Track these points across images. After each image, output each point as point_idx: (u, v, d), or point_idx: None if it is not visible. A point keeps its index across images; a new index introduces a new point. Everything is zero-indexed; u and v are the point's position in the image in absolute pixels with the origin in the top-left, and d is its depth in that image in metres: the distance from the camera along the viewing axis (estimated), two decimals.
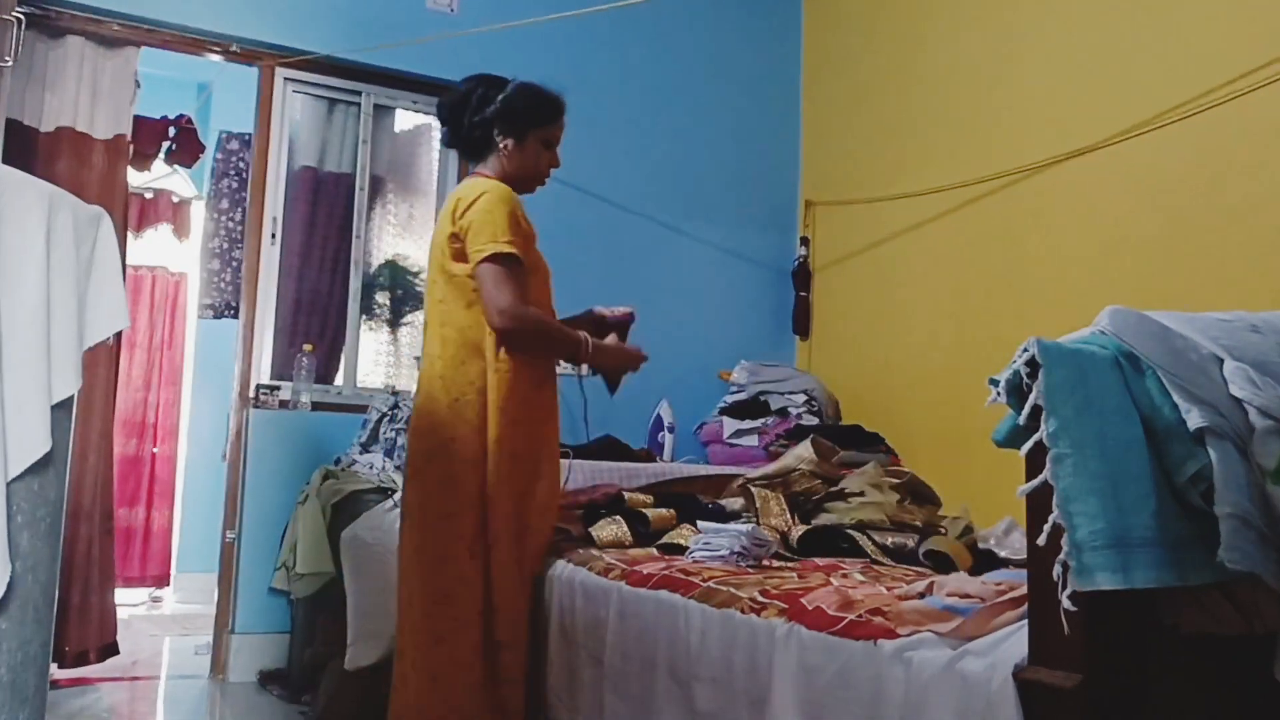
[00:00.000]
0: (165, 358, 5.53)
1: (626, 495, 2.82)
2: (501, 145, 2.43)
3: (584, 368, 2.54)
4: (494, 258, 2.25)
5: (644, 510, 2.71)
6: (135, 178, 3.90)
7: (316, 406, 3.69)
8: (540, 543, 2.40)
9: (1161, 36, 2.98)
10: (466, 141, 2.47)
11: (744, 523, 2.52)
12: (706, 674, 1.83)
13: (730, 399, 3.97)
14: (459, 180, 4.00)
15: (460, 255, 2.32)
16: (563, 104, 2.48)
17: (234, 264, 3.94)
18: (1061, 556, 1.24)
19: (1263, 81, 2.66)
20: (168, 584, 5.42)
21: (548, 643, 2.36)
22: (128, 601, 5.00)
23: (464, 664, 2.24)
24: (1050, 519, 1.26)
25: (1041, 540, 1.28)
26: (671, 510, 2.71)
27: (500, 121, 2.41)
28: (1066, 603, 1.23)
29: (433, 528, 2.29)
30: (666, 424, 3.87)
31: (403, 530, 2.35)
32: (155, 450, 5.45)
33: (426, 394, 2.34)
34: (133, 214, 4.87)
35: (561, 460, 3.31)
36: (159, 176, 5.01)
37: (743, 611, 1.80)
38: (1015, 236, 3.41)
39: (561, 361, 2.53)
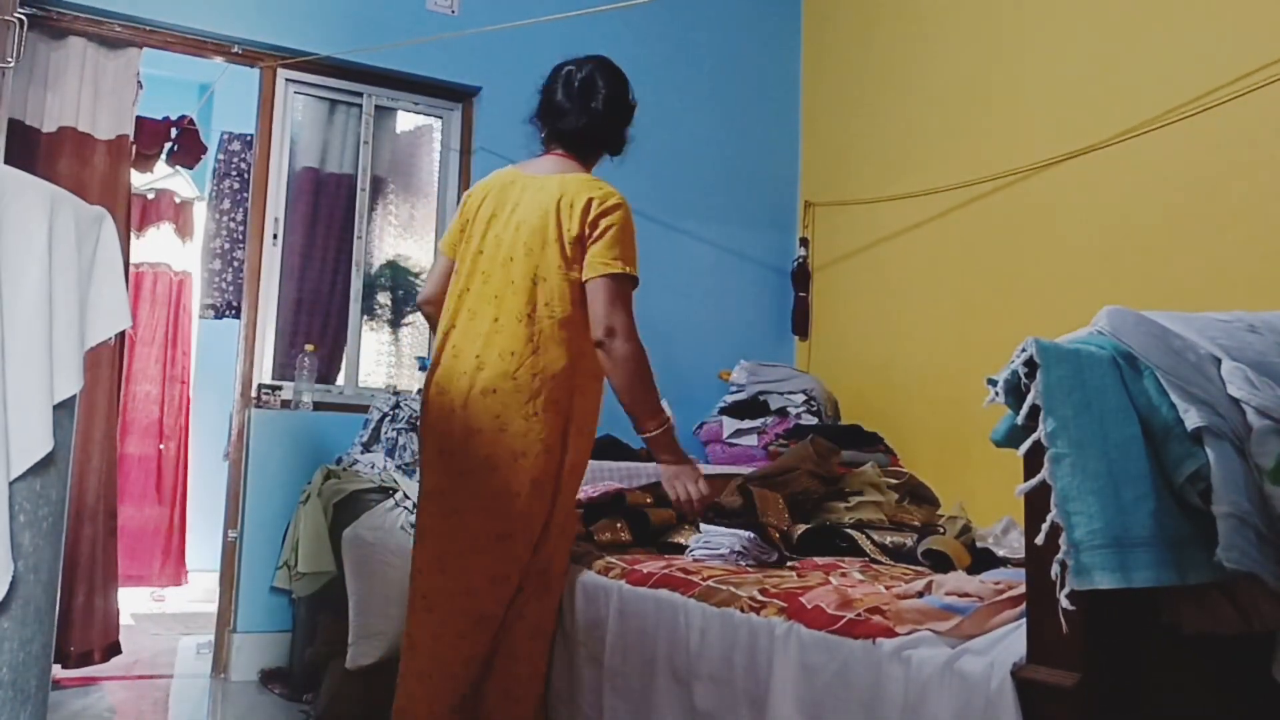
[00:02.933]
0: (170, 356, 5.53)
1: (627, 494, 2.82)
2: (605, 152, 2.38)
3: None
4: (624, 277, 2.16)
5: (644, 510, 2.71)
6: (137, 179, 3.90)
7: (318, 406, 3.69)
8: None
9: (1161, 36, 2.98)
10: (600, 139, 2.34)
11: (743, 524, 2.52)
12: (706, 673, 1.84)
13: (730, 399, 3.97)
14: (462, 181, 4.01)
15: (578, 256, 2.18)
16: None
17: (235, 264, 3.94)
18: (1060, 556, 1.24)
19: (1263, 81, 2.66)
20: (184, 582, 5.39)
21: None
22: (130, 601, 5.00)
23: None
24: (1048, 518, 1.27)
25: (1040, 539, 1.29)
26: (671, 511, 2.72)
27: (625, 130, 2.37)
28: (1065, 602, 1.23)
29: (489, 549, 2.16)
30: None
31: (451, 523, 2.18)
32: (161, 447, 5.45)
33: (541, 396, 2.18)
34: (135, 214, 4.87)
35: None
36: (160, 177, 5.02)
37: (742, 610, 1.80)
38: (1015, 236, 3.42)
39: None
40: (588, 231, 2.17)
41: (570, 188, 2.21)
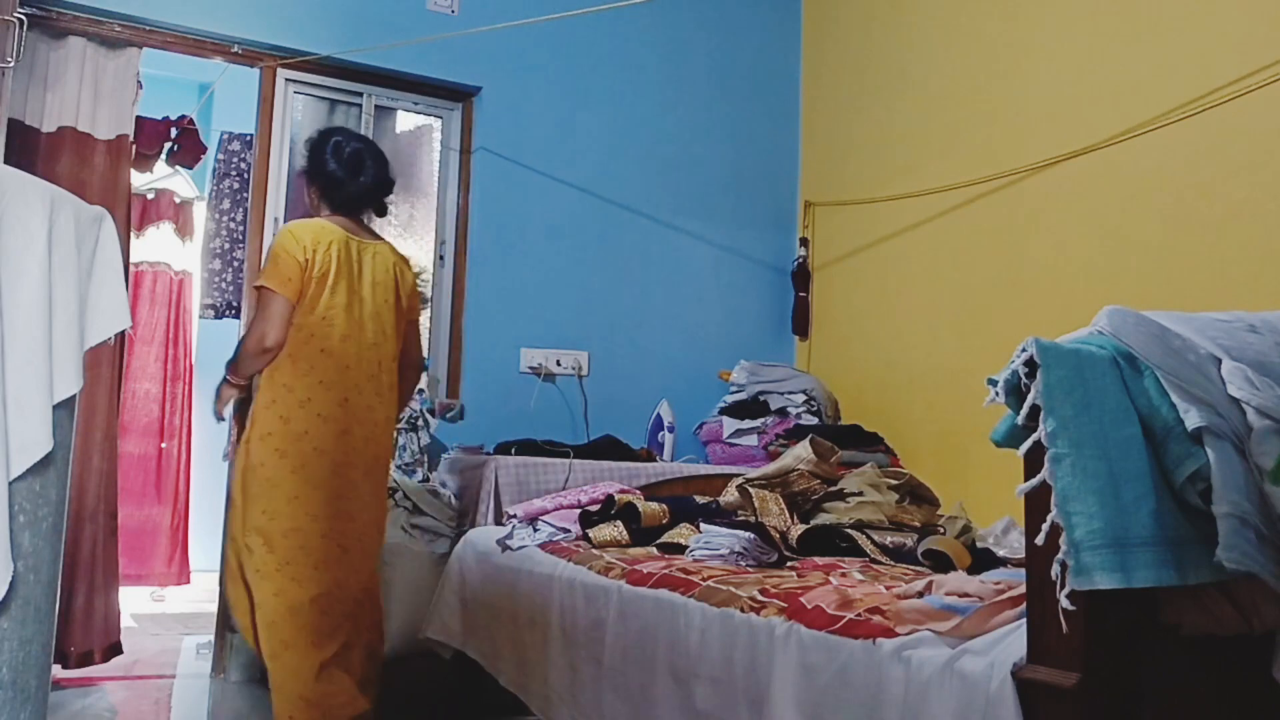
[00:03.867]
0: (171, 356, 5.53)
1: (616, 496, 2.83)
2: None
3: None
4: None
5: (634, 504, 2.72)
6: (137, 179, 3.90)
7: None
8: None
9: (1161, 36, 2.98)
10: (370, 209, 2.87)
11: (741, 522, 2.53)
12: (706, 673, 1.84)
13: (730, 399, 3.97)
14: (462, 181, 4.01)
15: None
16: None
17: (235, 264, 3.94)
18: (1060, 556, 1.24)
19: (1263, 81, 2.66)
20: (188, 580, 5.39)
21: (547, 642, 2.37)
22: (130, 600, 4.99)
23: None
24: (1049, 518, 1.27)
25: (1040, 540, 1.29)
26: (663, 506, 2.72)
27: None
28: (1065, 602, 1.23)
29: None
30: (666, 424, 3.88)
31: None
32: (164, 446, 5.44)
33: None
34: (135, 214, 4.87)
35: (561, 460, 3.38)
36: (160, 177, 5.02)
37: (742, 610, 1.80)
38: (1015, 236, 3.42)
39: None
40: (412, 291, 2.89)
41: (397, 255, 2.85)
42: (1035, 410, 1.29)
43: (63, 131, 3.39)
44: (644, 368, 4.10)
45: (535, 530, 2.83)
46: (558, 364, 3.94)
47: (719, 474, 3.40)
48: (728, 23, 4.45)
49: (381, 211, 2.90)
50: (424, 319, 4.03)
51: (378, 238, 2.84)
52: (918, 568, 2.21)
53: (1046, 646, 1.29)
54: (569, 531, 2.79)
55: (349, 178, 2.75)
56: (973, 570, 2.07)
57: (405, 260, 2.88)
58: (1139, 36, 3.05)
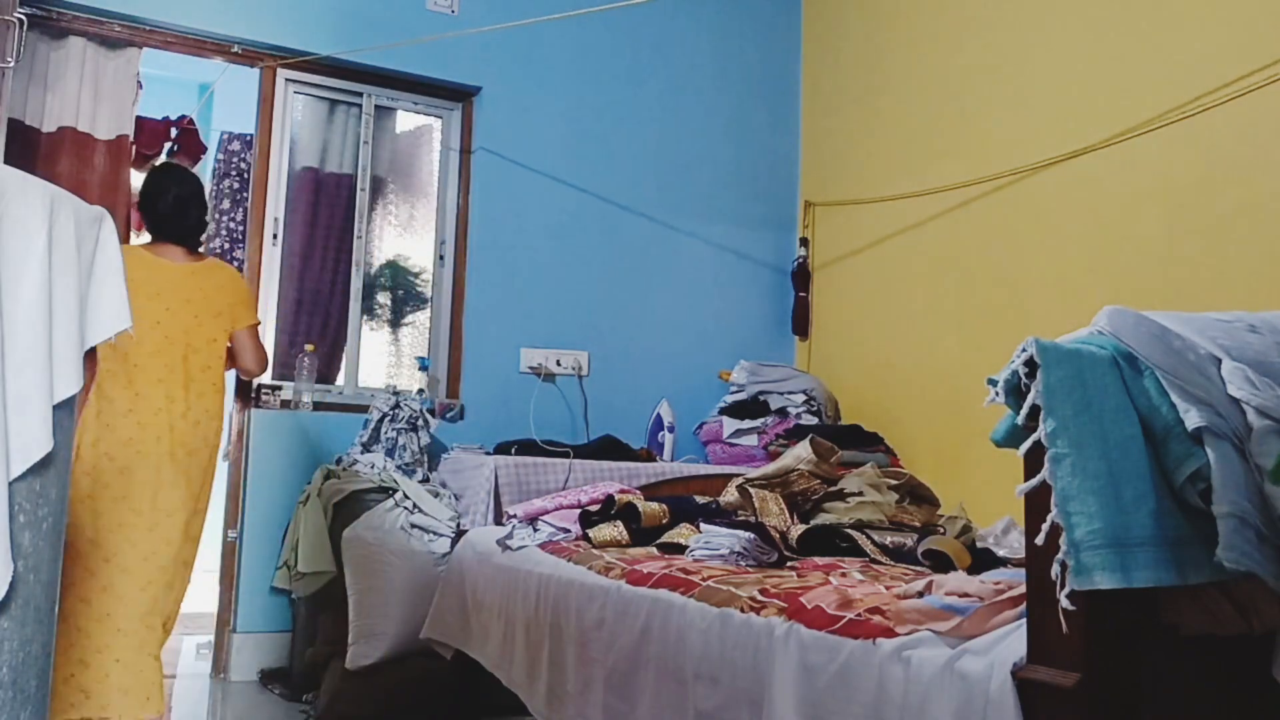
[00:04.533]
0: None
1: (616, 497, 2.83)
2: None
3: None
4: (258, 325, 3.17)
5: (634, 504, 2.72)
6: (137, 179, 3.90)
7: (318, 406, 3.69)
8: None
9: (1161, 36, 2.98)
10: (201, 230, 3.10)
11: (741, 522, 2.53)
12: (706, 673, 1.84)
13: (730, 399, 3.97)
14: (462, 181, 4.02)
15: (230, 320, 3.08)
16: None
17: (235, 264, 3.94)
18: (1060, 556, 1.24)
19: (1263, 81, 2.66)
20: None
21: (547, 642, 2.37)
22: None
23: None
24: (1049, 518, 1.27)
25: (1040, 540, 1.29)
26: (663, 506, 2.72)
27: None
28: (1065, 602, 1.23)
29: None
30: (666, 424, 3.88)
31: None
32: None
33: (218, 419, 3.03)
34: (135, 214, 4.87)
35: (561, 460, 3.38)
36: None
37: (742, 611, 1.80)
38: (1015, 236, 3.42)
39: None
40: (234, 300, 3.06)
41: (221, 270, 3.09)
42: (1035, 410, 1.29)
43: (63, 131, 3.39)
44: (644, 368, 4.10)
45: (535, 530, 2.83)
46: (558, 364, 3.95)
47: (719, 474, 3.40)
48: (728, 23, 4.45)
49: (196, 246, 3.09)
50: (424, 319, 4.04)
51: (201, 258, 3.07)
52: (918, 568, 2.21)
53: (1046, 646, 1.29)
54: (569, 531, 2.79)
55: (173, 215, 2.99)
56: (973, 570, 2.07)
57: (231, 273, 3.13)
58: (1139, 36, 3.05)
